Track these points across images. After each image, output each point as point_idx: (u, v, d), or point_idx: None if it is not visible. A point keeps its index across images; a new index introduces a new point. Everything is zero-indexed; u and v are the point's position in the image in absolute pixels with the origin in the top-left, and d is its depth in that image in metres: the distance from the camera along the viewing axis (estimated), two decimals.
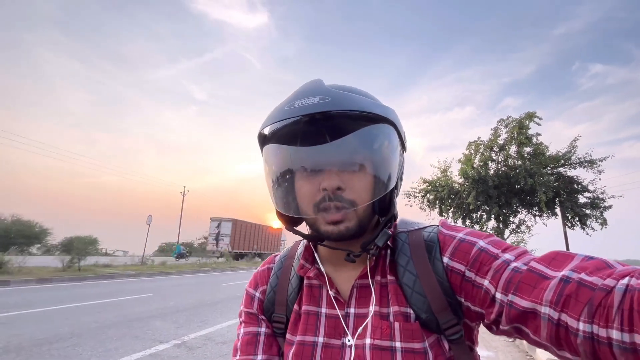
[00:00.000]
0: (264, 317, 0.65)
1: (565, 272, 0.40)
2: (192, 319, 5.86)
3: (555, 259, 0.43)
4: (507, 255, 0.47)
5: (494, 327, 0.47)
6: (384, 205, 0.55)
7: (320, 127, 0.51)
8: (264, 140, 0.58)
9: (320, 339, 0.55)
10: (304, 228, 0.61)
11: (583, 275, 0.38)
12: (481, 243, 0.51)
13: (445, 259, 0.53)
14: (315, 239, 0.56)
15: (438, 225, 0.59)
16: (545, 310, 0.39)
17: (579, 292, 0.37)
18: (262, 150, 0.59)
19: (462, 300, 0.51)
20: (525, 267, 0.44)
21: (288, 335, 0.60)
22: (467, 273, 0.50)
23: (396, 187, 0.56)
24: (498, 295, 0.45)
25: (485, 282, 0.47)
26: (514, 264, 0.45)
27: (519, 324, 0.43)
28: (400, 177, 0.58)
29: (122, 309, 6.57)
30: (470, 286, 0.49)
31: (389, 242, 0.58)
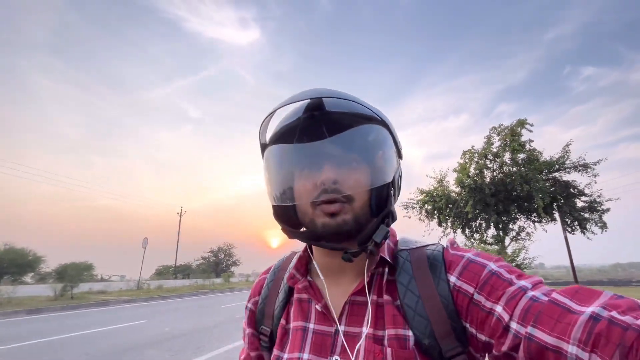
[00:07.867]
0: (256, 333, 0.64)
1: (594, 308, 0.37)
2: (188, 346, 5.62)
3: (579, 293, 0.41)
4: (524, 282, 0.44)
5: None
6: (381, 204, 0.53)
7: (317, 123, 0.52)
8: (264, 140, 0.59)
9: (306, 356, 0.53)
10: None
11: (614, 314, 0.35)
12: (492, 266, 0.48)
13: (453, 279, 0.49)
14: (313, 237, 0.53)
15: (441, 244, 0.56)
16: (572, 349, 0.36)
17: (610, 332, 0.34)
18: (262, 151, 0.59)
19: (467, 325, 0.46)
20: (546, 298, 0.40)
21: (275, 351, 0.57)
22: (476, 296, 0.46)
23: (393, 187, 0.54)
24: (513, 325, 0.40)
25: (498, 308, 0.42)
26: (532, 293, 0.42)
27: None
28: (398, 181, 0.57)
29: (115, 337, 6.30)
30: (478, 310, 0.45)
31: (389, 259, 0.54)
